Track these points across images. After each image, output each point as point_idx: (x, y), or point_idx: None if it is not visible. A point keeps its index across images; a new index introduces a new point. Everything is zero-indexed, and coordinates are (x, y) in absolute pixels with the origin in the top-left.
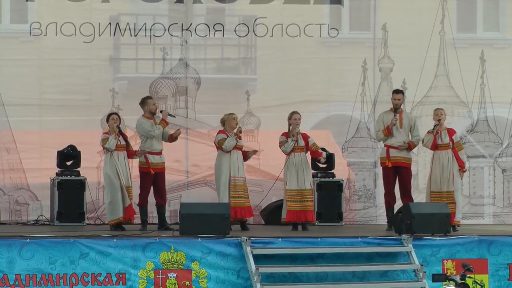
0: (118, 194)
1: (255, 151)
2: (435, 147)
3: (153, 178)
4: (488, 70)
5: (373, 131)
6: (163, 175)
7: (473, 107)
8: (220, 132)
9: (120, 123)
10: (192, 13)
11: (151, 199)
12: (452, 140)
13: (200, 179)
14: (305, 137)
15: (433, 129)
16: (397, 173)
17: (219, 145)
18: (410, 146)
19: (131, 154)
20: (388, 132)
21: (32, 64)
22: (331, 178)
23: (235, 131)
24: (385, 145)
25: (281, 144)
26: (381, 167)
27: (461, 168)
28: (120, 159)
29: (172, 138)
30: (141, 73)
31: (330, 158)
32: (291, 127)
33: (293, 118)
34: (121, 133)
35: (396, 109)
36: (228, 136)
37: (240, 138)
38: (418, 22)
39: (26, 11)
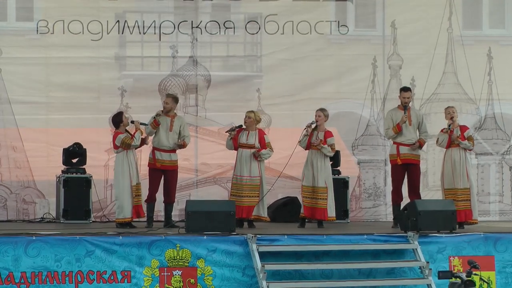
0: (129, 193)
1: (256, 151)
2: (449, 144)
3: (161, 175)
4: (495, 67)
5: (382, 129)
6: (174, 174)
7: (481, 104)
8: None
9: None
10: (201, 11)
11: (160, 197)
12: (463, 136)
13: (210, 177)
14: (327, 135)
15: (448, 128)
16: (406, 170)
17: None
18: (421, 144)
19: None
20: (399, 130)
21: (39, 62)
22: (337, 176)
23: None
24: (395, 143)
25: (300, 140)
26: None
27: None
28: (134, 157)
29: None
30: (147, 71)
31: (336, 155)
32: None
33: (315, 114)
34: (126, 131)
35: (405, 107)
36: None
37: (234, 136)
38: (425, 19)
39: (31, 9)
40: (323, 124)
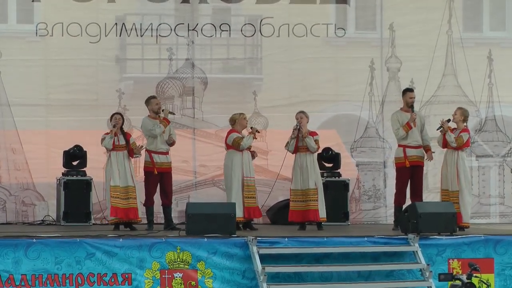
0: (108, 195)
1: (255, 154)
2: (445, 145)
3: (158, 178)
4: (495, 69)
5: (381, 131)
6: (169, 175)
7: (481, 106)
8: (232, 131)
9: (123, 123)
10: (198, 13)
11: (158, 199)
12: (460, 136)
13: (208, 179)
14: (311, 134)
15: (439, 127)
16: (411, 172)
17: (233, 144)
18: (430, 150)
19: (131, 154)
20: (409, 128)
21: (38, 64)
22: (337, 178)
23: (249, 130)
24: (400, 145)
25: (286, 144)
26: (392, 167)
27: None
28: (119, 159)
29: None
30: (147, 73)
31: (336, 157)
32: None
33: (296, 117)
34: (122, 132)
35: (412, 107)
36: (240, 135)
37: (256, 137)
38: (425, 21)
39: (32, 11)
40: (306, 126)
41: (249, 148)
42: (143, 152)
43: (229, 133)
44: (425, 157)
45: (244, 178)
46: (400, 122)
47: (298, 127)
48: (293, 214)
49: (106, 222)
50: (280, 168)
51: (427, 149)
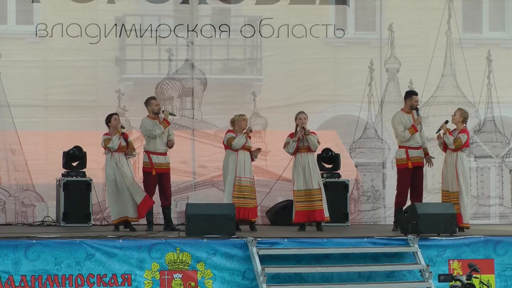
0: (120, 194)
1: (259, 149)
2: (445, 148)
3: (157, 179)
4: (495, 69)
5: (380, 131)
6: (168, 176)
7: (480, 107)
8: (229, 131)
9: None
10: (197, 14)
11: (157, 200)
12: (459, 138)
13: (207, 180)
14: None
15: (438, 131)
16: (412, 173)
17: (228, 144)
18: (428, 154)
19: (126, 153)
20: (416, 131)
21: (38, 65)
22: (336, 179)
23: (245, 130)
24: (402, 147)
25: (285, 145)
26: (391, 168)
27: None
28: (122, 159)
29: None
30: (146, 74)
31: (335, 158)
32: (298, 128)
33: (298, 118)
34: (122, 133)
35: (417, 110)
36: (235, 135)
37: (249, 137)
38: (424, 22)
39: (31, 12)
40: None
41: (248, 149)
42: (141, 152)
43: (226, 133)
44: (425, 161)
45: (236, 178)
46: (403, 123)
47: (302, 127)
48: (299, 215)
49: (106, 223)
50: (284, 169)
51: (425, 152)
